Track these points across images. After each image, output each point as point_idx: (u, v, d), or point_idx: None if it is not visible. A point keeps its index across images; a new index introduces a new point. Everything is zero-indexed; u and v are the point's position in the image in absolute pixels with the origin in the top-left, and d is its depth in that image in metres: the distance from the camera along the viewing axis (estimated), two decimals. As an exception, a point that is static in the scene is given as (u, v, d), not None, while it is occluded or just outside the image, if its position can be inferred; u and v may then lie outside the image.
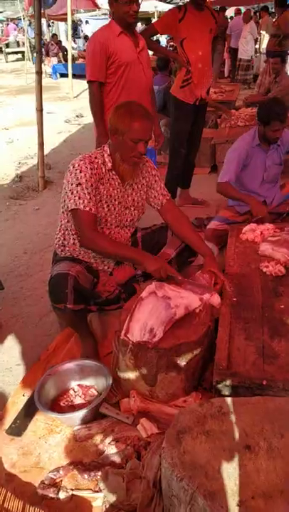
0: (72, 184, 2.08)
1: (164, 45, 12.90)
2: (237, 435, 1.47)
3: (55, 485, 1.67)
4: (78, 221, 2.09)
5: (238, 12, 11.91)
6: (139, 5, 3.02)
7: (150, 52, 3.73)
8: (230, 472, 1.36)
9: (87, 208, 2.06)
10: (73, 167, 2.11)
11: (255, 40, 9.34)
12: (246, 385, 1.67)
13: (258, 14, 14.68)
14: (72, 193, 2.08)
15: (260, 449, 1.42)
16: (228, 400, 1.61)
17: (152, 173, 2.36)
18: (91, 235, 2.09)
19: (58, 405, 1.99)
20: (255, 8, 17.25)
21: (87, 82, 3.09)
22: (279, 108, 2.98)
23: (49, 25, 20.38)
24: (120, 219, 2.28)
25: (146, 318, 1.96)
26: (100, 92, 3.07)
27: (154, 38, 3.97)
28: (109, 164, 2.16)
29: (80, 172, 2.07)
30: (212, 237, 3.17)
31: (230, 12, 15.01)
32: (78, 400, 2.00)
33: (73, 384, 2.08)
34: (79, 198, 2.06)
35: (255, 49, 12.80)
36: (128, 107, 2.08)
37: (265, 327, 1.96)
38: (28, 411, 2.02)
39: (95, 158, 2.15)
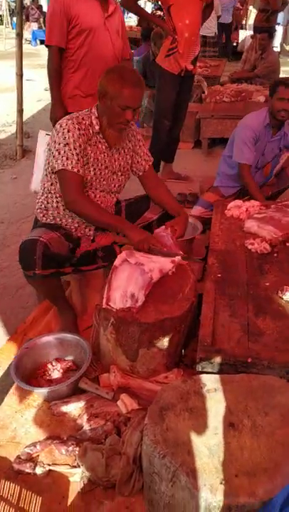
0: (59, 144, 2.00)
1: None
2: (221, 412, 1.44)
3: (32, 460, 1.62)
4: (65, 183, 2.02)
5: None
6: None
7: (134, 23, 3.56)
8: (213, 450, 1.34)
9: (75, 170, 1.99)
10: (60, 126, 2.02)
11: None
12: (230, 363, 1.64)
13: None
14: (59, 153, 1.99)
15: (244, 427, 1.40)
16: (212, 377, 1.58)
17: (137, 138, 2.31)
18: (78, 197, 2.03)
19: (35, 379, 1.93)
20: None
21: (46, 46, 2.84)
22: (287, 79, 2.99)
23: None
24: (108, 184, 2.22)
25: (125, 285, 1.94)
26: (59, 58, 2.81)
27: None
28: (97, 127, 2.08)
29: (68, 132, 1.99)
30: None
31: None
32: (56, 374, 1.95)
33: (52, 358, 2.02)
34: (67, 159, 1.98)
35: (242, 25, 12.64)
36: (120, 72, 1.99)
37: (250, 304, 1.93)
38: (4, 384, 1.96)
39: (82, 119, 2.07)
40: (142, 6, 11.91)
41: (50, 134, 3.67)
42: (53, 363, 2.00)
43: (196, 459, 1.31)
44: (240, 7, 12.73)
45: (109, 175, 2.20)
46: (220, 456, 1.32)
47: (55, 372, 1.96)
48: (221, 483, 1.26)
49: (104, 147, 2.13)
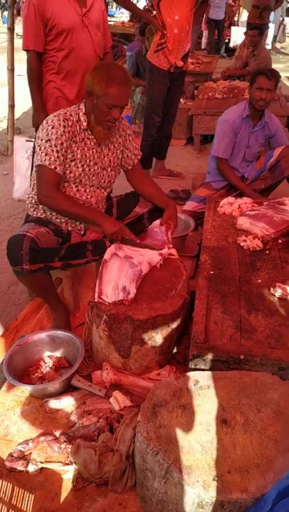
0: (41, 140, 2.00)
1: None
2: (214, 409, 1.45)
3: (24, 457, 1.62)
4: (40, 179, 2.03)
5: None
6: None
7: (126, 18, 3.51)
8: (206, 446, 1.34)
9: (52, 166, 1.99)
10: (46, 122, 2.02)
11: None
12: (223, 359, 1.65)
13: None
14: (40, 149, 2.00)
15: (236, 423, 1.41)
16: (205, 373, 1.58)
17: (127, 132, 2.30)
18: (51, 193, 2.02)
19: (27, 376, 1.92)
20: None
21: (24, 51, 2.66)
22: (268, 69, 3.12)
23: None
24: (98, 180, 2.21)
25: (116, 278, 1.96)
26: (39, 62, 2.65)
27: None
28: (85, 123, 2.07)
29: (52, 128, 1.99)
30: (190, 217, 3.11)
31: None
32: (49, 372, 1.94)
33: (44, 355, 2.02)
34: (46, 155, 1.98)
35: (234, 21, 12.62)
36: (106, 71, 1.97)
37: (242, 301, 1.93)
38: (-4, 382, 1.95)
39: (70, 115, 2.06)
40: (135, 1, 11.87)
41: (30, 140, 3.64)
42: (46, 360, 1.99)
43: (189, 456, 1.32)
44: (233, 4, 12.70)
45: (98, 171, 2.19)
46: (213, 452, 1.33)
47: (48, 369, 1.95)
48: (214, 479, 1.27)
49: (92, 143, 2.12)
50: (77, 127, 2.06)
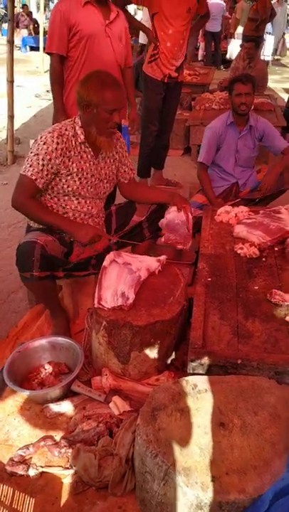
0: (31, 153, 2.05)
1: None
2: (211, 412, 1.48)
3: (25, 462, 1.64)
4: (18, 185, 2.07)
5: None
6: None
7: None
8: (204, 449, 1.37)
9: (33, 177, 2.03)
10: (40, 138, 2.07)
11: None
12: (221, 364, 1.67)
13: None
14: (27, 161, 2.06)
15: (234, 426, 1.43)
16: (203, 378, 1.61)
17: (124, 149, 2.37)
18: (21, 198, 2.06)
19: (28, 382, 1.94)
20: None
21: (47, 54, 2.87)
22: (242, 75, 3.30)
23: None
24: (96, 191, 2.25)
25: (115, 284, 1.99)
26: (61, 65, 2.81)
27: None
28: (82, 137, 2.11)
29: (44, 144, 2.03)
30: None
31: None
32: (49, 378, 1.96)
33: (44, 361, 2.04)
34: (30, 166, 2.03)
35: (230, 33, 12.75)
36: (99, 78, 2.03)
37: (239, 307, 1.97)
38: (-4, 388, 1.97)
39: (66, 130, 2.10)
40: (133, 13, 12.00)
41: None
42: (46, 366, 2.01)
43: (188, 458, 1.34)
44: (229, 16, 12.88)
45: (96, 182, 2.23)
46: (211, 454, 1.35)
47: (48, 375, 1.97)
48: (212, 480, 1.29)
49: (89, 156, 2.16)
50: (73, 142, 2.10)
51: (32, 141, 2.74)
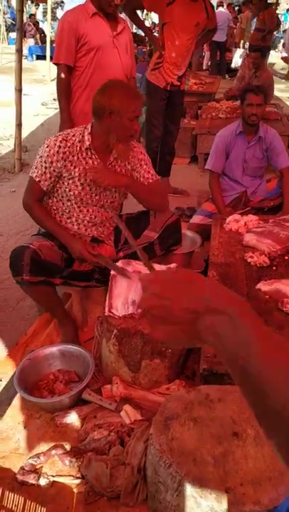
0: (37, 155, 2.16)
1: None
2: (225, 422, 1.46)
3: (36, 471, 1.63)
4: (27, 187, 2.21)
5: (220, 4, 11.85)
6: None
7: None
8: (218, 459, 1.36)
9: (37, 179, 2.15)
10: (45, 141, 2.16)
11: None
12: (233, 373, 1.66)
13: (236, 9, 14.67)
14: (34, 163, 2.18)
15: (247, 436, 1.42)
16: (215, 387, 1.60)
17: (139, 158, 2.31)
18: (28, 201, 2.20)
19: (38, 390, 1.94)
20: (235, 3, 17.29)
21: (54, 64, 2.89)
22: (255, 86, 3.36)
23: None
24: (98, 199, 2.24)
25: (126, 292, 1.99)
26: (69, 76, 2.83)
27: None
28: (88, 143, 2.13)
29: (47, 147, 2.13)
30: (196, 231, 3.16)
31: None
32: (59, 386, 1.96)
33: (54, 369, 2.03)
34: (35, 168, 2.15)
35: (235, 43, 12.85)
36: (121, 87, 2.10)
37: (250, 316, 1.95)
38: (6, 396, 1.96)
39: (73, 135, 2.15)
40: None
41: None
42: (56, 374, 2.01)
43: (202, 468, 1.33)
44: (234, 26, 12.99)
45: (101, 190, 2.22)
46: (225, 465, 1.34)
47: (58, 383, 1.97)
48: (227, 491, 1.27)
49: (96, 163, 2.16)
50: (78, 147, 2.13)
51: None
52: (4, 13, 16.50)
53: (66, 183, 2.16)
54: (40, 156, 2.13)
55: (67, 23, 2.73)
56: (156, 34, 4.04)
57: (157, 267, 2.12)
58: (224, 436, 1.42)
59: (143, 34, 5.97)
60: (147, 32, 4.19)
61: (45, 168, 2.12)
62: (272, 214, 3.18)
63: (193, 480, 1.30)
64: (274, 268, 2.33)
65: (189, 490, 1.30)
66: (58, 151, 2.10)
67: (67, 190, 2.16)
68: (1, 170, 5.11)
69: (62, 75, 2.81)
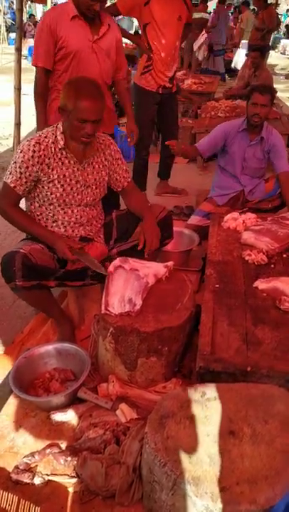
0: (12, 161, 2.09)
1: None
2: (221, 421, 1.45)
3: (30, 470, 1.61)
4: (1, 193, 2.13)
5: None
6: (104, 3, 2.76)
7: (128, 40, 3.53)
8: (214, 458, 1.34)
9: (12, 185, 2.07)
10: (19, 146, 2.09)
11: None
12: (230, 371, 1.65)
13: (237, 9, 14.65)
14: (8, 168, 2.10)
15: (244, 435, 1.41)
16: (212, 385, 1.58)
17: (116, 157, 2.28)
18: (6, 208, 2.12)
19: (33, 389, 1.92)
20: (235, 3, 17.32)
21: (33, 66, 2.75)
22: (261, 84, 3.26)
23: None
24: (81, 198, 2.20)
25: (122, 290, 1.97)
26: (47, 78, 2.72)
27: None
28: (62, 142, 2.08)
29: (21, 152, 2.04)
30: (194, 232, 3.12)
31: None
32: (55, 384, 1.94)
33: (50, 367, 2.02)
34: (10, 173, 2.07)
35: (235, 43, 12.83)
36: (76, 84, 2.00)
37: (248, 314, 1.94)
38: (2, 394, 1.94)
39: (45, 137, 2.08)
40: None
41: None
42: (52, 373, 1.99)
43: (197, 467, 1.31)
44: (234, 26, 12.97)
45: (82, 189, 2.18)
46: (221, 463, 1.33)
47: (54, 381, 1.95)
48: (222, 490, 1.26)
49: (72, 162, 2.12)
50: (52, 149, 2.07)
51: None
52: (4, 14, 16.50)
53: (46, 187, 2.10)
54: (15, 162, 2.05)
55: (46, 25, 2.62)
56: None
57: (154, 264, 2.13)
58: (220, 434, 1.41)
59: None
60: (129, 36, 4.09)
61: (21, 173, 2.05)
62: (270, 213, 3.15)
63: (188, 479, 1.29)
64: (272, 266, 2.32)
65: (184, 489, 1.28)
66: (32, 156, 2.03)
67: (49, 193, 2.11)
68: (0, 169, 5.09)
69: (40, 78, 2.72)
